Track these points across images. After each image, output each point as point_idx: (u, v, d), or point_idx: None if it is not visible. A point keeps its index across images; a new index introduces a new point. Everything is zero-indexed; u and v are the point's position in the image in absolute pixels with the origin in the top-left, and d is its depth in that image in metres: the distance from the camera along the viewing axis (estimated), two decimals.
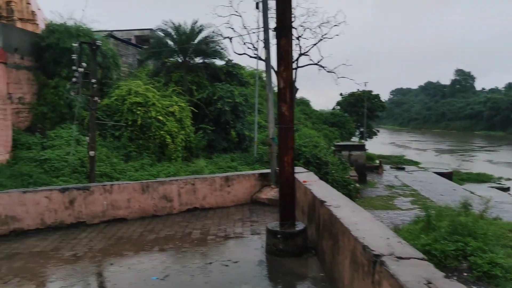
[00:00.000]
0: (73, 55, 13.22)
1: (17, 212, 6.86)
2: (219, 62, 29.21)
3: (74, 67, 13.25)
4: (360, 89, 59.29)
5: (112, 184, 8.00)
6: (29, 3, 23.54)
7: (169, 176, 18.44)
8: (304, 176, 7.38)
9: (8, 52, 17.84)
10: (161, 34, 27.92)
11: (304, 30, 31.19)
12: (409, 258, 3.20)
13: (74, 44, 13.39)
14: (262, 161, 23.46)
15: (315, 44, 31.84)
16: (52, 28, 20.81)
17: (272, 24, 8.00)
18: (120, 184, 8.15)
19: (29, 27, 22.76)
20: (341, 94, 64.45)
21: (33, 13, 23.90)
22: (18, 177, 15.00)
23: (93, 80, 13.02)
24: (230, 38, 28.73)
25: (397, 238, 3.72)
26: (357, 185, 28.45)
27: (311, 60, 32.83)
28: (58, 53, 20.07)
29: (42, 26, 23.93)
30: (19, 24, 22.17)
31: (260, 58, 26.94)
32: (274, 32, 5.56)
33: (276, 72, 5.48)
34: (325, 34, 31.44)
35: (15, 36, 19.45)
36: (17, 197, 6.90)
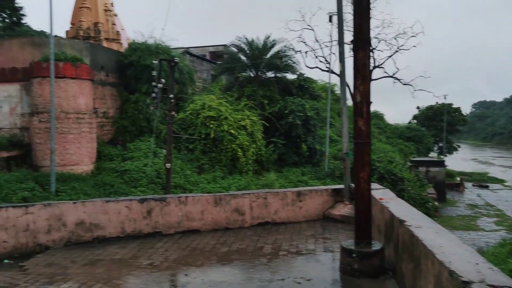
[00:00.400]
0: (153, 72, 13.92)
1: (100, 220, 7.23)
2: (290, 76, 29.34)
3: (153, 83, 13.93)
4: (439, 102, 56.58)
5: (187, 196, 8.19)
6: (114, 24, 25.26)
7: (240, 189, 18.65)
8: (380, 193, 7.08)
9: (94, 70, 19.19)
10: (234, 49, 28.64)
11: (379, 41, 30.40)
12: (502, 287, 2.90)
13: (154, 62, 14.09)
14: (333, 176, 23.02)
15: (390, 56, 30.92)
16: (134, 47, 22.13)
17: (348, 37, 7.85)
18: (194, 196, 8.32)
19: (114, 46, 24.42)
20: (418, 108, 61.96)
21: (117, 33, 25.62)
22: (101, 187, 15.93)
23: (171, 96, 13.58)
24: (306, 52, 28.68)
25: (487, 264, 3.40)
26: (436, 203, 26.98)
27: (385, 72, 31.85)
28: (139, 70, 21.29)
29: (125, 45, 25.57)
30: (105, 44, 23.87)
31: (332, 72, 26.65)
32: (350, 45, 5.43)
33: (348, 85, 5.33)
34: (401, 46, 30.31)
35: (101, 55, 20.91)
36: (101, 206, 7.28)
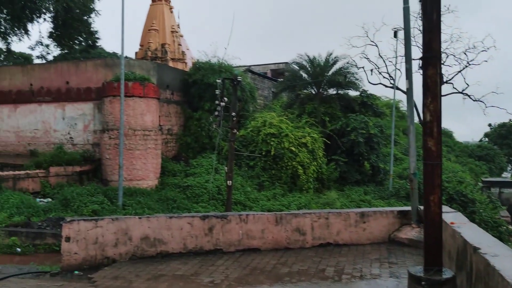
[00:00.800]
0: (216, 90, 14.22)
1: (164, 235, 7.38)
2: (353, 93, 28.84)
3: (216, 101, 14.22)
4: None
5: (247, 214, 8.17)
6: (180, 45, 26.28)
7: (300, 207, 18.42)
8: (451, 216, 6.65)
9: (161, 89, 19.97)
10: (295, 67, 28.69)
11: (447, 56, 29.10)
12: None
13: (218, 81, 14.39)
14: (398, 196, 22.13)
15: (459, 71, 29.46)
16: (198, 66, 22.84)
17: (415, 53, 7.56)
18: (255, 214, 8.28)
19: (179, 65, 25.36)
20: (489, 125, 58.47)
21: (183, 53, 26.62)
22: (164, 201, 16.40)
23: (233, 114, 13.77)
24: (371, 70, 28.08)
25: None
26: (510, 227, 25.03)
27: (454, 88, 30.35)
28: (202, 88, 21.89)
29: (190, 64, 26.46)
30: (171, 64, 24.85)
31: (397, 88, 25.85)
32: (418, 61, 5.19)
33: (415, 103, 5.07)
34: (471, 61, 28.80)
35: (167, 74, 21.76)
36: (164, 222, 7.44)
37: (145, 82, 17.97)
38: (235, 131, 14.23)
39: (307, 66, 27.55)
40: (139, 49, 26.86)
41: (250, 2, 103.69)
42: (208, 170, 19.95)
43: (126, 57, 17.35)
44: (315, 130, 23.52)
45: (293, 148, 21.04)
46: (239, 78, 14.12)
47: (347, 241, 8.31)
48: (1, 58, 30.39)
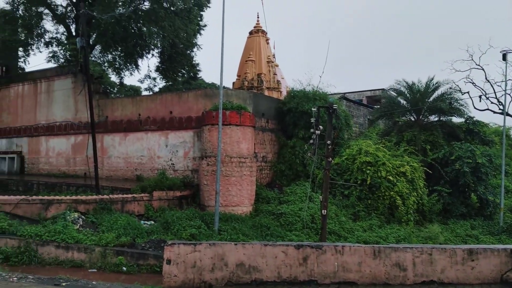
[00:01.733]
0: (312, 119, 14.20)
1: (259, 263, 7.39)
2: (457, 120, 27.05)
3: (311, 130, 14.17)
4: None
5: (343, 246, 7.91)
6: (275, 74, 26.90)
7: (399, 240, 17.41)
8: None
9: (256, 117, 20.48)
10: (393, 93, 27.78)
11: None
12: None
13: (313, 109, 14.39)
14: (510, 232, 20.02)
15: None
16: (292, 94, 23.12)
17: None
18: (351, 246, 7.99)
19: (274, 94, 25.90)
20: None
21: (278, 82, 27.18)
22: (258, 228, 16.50)
23: (328, 142, 13.60)
24: (479, 96, 26.16)
25: None
26: None
27: None
28: (297, 116, 22.05)
29: (284, 93, 26.92)
30: (266, 92, 25.49)
31: (508, 114, 23.74)
32: None
33: None
34: None
35: (263, 103, 22.30)
36: (259, 249, 7.47)
37: (241, 111, 18.56)
38: (330, 159, 14.01)
39: (406, 92, 26.52)
40: (236, 79, 28.00)
41: (346, 30, 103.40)
42: (301, 198, 19.81)
43: (224, 87, 18.13)
44: (414, 159, 22.34)
45: (390, 177, 20.14)
46: (335, 107, 13.96)
47: (453, 280, 7.64)
48: (115, 91, 33.53)
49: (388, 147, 22.95)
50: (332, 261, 7.64)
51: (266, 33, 28.41)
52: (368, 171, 20.29)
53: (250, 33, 28.31)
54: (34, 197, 15.73)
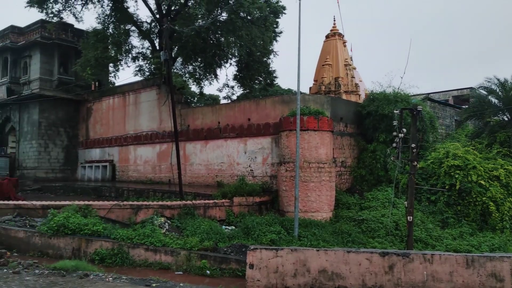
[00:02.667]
0: (394, 122, 13.66)
1: (342, 270, 7.22)
2: None
3: (394, 133, 13.64)
4: None
5: (432, 254, 7.48)
6: (353, 77, 26.34)
7: (493, 249, 16.15)
8: None
9: (334, 121, 20.16)
10: (483, 92, 25.94)
11: None
12: None
13: (395, 111, 13.83)
14: None
15: None
16: (372, 97, 22.47)
17: None
18: (441, 254, 7.54)
19: (352, 98, 25.36)
20: None
21: (356, 85, 26.58)
22: (339, 234, 16.18)
23: (413, 145, 13.00)
24: None
25: None
26: None
27: None
28: (377, 120, 21.39)
29: (363, 96, 26.24)
30: (344, 96, 25.02)
31: None
32: None
33: None
34: None
35: (341, 107, 21.91)
36: (342, 256, 7.30)
37: (319, 116, 18.37)
38: (415, 163, 13.36)
39: (497, 90, 24.60)
40: (313, 84, 27.81)
41: (429, 28, 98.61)
42: (384, 204, 19.11)
43: (301, 92, 18.07)
44: (509, 162, 20.62)
45: (482, 182, 18.75)
46: (419, 108, 13.31)
47: None
48: (195, 100, 34.84)
49: (479, 150, 21.43)
50: (421, 270, 7.25)
51: (343, 35, 27.95)
52: (456, 175, 19.07)
53: (327, 36, 28.01)
54: (125, 202, 16.78)
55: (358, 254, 7.33)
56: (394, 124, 13.50)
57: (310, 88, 28.14)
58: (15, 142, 32.70)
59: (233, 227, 16.55)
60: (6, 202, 16.53)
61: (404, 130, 13.33)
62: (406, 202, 13.66)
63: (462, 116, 28.19)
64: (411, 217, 13.08)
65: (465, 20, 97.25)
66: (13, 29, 32.40)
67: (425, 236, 16.98)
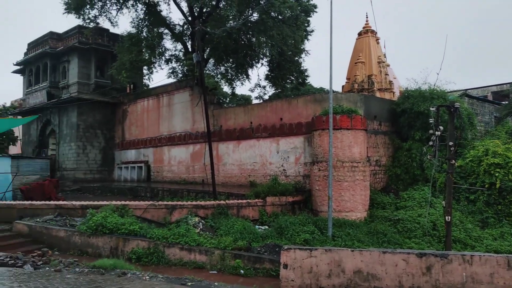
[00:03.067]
0: (430, 119, 13.34)
1: (377, 271, 7.11)
2: None
3: (430, 131, 13.31)
4: None
5: (472, 255, 7.26)
6: (387, 74, 25.87)
7: None
8: None
9: (368, 120, 19.85)
10: None
11: None
12: None
13: (431, 108, 13.50)
14: None
15: None
16: (407, 94, 21.98)
17: None
18: (481, 255, 7.31)
19: (386, 95, 24.90)
20: None
21: (390, 82, 26.08)
22: (374, 235, 15.91)
23: (451, 143, 12.64)
24: None
25: None
26: None
27: None
28: (412, 117, 20.93)
29: (397, 93, 25.72)
30: (378, 94, 24.61)
31: None
32: None
33: None
34: None
35: (374, 105, 21.55)
36: (377, 256, 7.18)
37: (352, 114, 18.13)
38: (453, 162, 12.99)
39: None
40: (346, 82, 27.49)
41: (467, 23, 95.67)
42: (420, 204, 18.67)
43: (333, 91, 17.90)
44: None
45: None
46: (457, 105, 12.93)
47: None
48: (227, 101, 35.12)
49: None
50: (460, 271, 7.05)
51: (376, 32, 27.49)
52: (497, 174, 18.40)
53: (359, 34, 27.64)
54: (160, 202, 17.09)
55: (394, 255, 7.20)
56: (431, 121, 13.16)
57: (343, 86, 27.83)
58: (55, 144, 33.90)
59: (266, 227, 16.56)
60: (47, 202, 17.16)
61: (441, 127, 12.98)
62: (444, 202, 13.30)
63: (502, 113, 27.21)
64: (449, 217, 12.72)
65: (502, 13, 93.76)
66: (52, 35, 33.62)
67: (464, 236, 16.48)
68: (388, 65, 27.60)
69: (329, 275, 7.13)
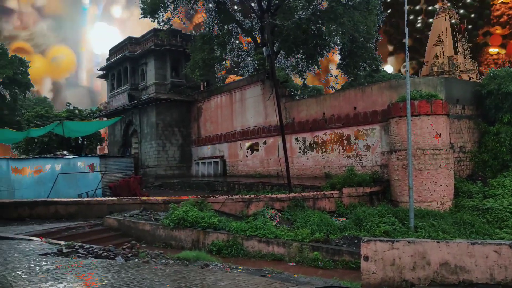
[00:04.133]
0: None
1: (466, 263, 6.68)
2: None
3: None
4: None
5: None
6: (469, 54, 24.18)
7: None
8: None
9: (450, 104, 18.71)
10: None
11: None
12: None
13: None
14: None
15: None
16: (492, 74, 20.45)
17: None
18: None
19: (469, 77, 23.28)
20: None
21: (473, 62, 24.37)
22: (460, 225, 15.04)
23: None
24: None
25: None
26: None
27: None
28: (499, 99, 19.47)
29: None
30: (460, 76, 23.07)
31: None
32: None
33: None
34: None
35: (457, 88, 20.28)
36: (466, 248, 6.74)
37: (431, 99, 17.18)
38: None
39: None
40: (424, 65, 26.14)
41: None
42: None
43: (410, 76, 17.06)
44: None
45: None
46: None
47: None
48: (298, 93, 34.90)
49: None
50: None
51: (454, 11, 25.80)
52: None
53: (437, 13, 26.13)
54: (236, 196, 17.45)
55: (484, 246, 6.71)
56: None
57: (421, 70, 26.49)
58: (137, 143, 35.89)
59: (344, 219, 16.26)
60: (134, 198, 18.23)
61: None
62: None
63: None
64: None
65: None
66: (130, 40, 35.54)
67: None
68: (470, 45, 25.81)
69: (413, 267, 6.81)
